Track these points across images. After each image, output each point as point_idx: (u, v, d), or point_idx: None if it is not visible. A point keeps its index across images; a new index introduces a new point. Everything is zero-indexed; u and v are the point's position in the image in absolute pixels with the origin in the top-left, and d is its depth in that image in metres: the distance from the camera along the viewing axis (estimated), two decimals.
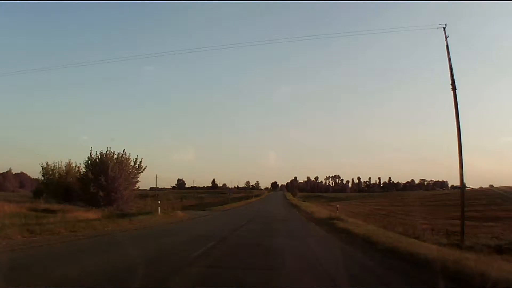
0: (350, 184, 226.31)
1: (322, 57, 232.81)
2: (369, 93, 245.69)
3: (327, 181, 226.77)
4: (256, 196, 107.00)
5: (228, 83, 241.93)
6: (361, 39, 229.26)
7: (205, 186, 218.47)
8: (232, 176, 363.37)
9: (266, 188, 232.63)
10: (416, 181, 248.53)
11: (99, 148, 33.77)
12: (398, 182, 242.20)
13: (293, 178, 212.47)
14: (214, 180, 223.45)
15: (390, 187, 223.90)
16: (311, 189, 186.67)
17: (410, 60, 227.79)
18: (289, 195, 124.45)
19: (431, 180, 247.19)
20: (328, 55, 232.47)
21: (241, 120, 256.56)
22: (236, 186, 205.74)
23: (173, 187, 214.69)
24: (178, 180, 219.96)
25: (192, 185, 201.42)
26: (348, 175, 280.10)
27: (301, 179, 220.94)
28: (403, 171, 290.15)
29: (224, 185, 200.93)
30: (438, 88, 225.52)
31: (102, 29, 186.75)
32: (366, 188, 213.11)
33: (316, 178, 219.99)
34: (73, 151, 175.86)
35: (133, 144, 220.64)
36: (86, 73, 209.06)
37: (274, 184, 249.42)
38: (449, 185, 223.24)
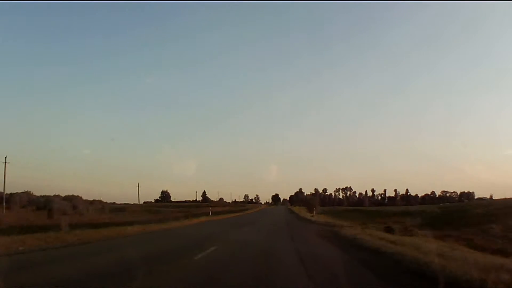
0: (359, 197, 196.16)
1: (326, 61, 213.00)
2: (378, 100, 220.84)
3: (337, 193, 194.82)
4: (243, 210, 75.02)
5: (229, 91, 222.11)
6: (366, 41, 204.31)
7: (196, 199, 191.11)
8: (232, 189, 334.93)
9: (266, 203, 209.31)
10: (437, 193, 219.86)
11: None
12: (416, 195, 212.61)
13: (297, 190, 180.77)
14: (204, 192, 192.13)
15: (410, 199, 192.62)
16: (321, 202, 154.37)
17: (419, 66, 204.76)
18: (299, 210, 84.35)
19: (454, 192, 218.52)
20: (332, 59, 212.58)
21: (242, 132, 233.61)
22: (234, 200, 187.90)
23: (156, 200, 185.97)
24: (162, 192, 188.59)
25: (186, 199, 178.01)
26: (358, 187, 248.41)
27: (306, 191, 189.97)
28: (419, 182, 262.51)
29: (221, 199, 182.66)
30: (453, 94, 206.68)
31: (100, 33, 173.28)
32: (385, 201, 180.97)
33: (325, 190, 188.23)
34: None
35: (130, 155, 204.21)
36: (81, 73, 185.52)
37: (275, 197, 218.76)
38: (476, 197, 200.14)
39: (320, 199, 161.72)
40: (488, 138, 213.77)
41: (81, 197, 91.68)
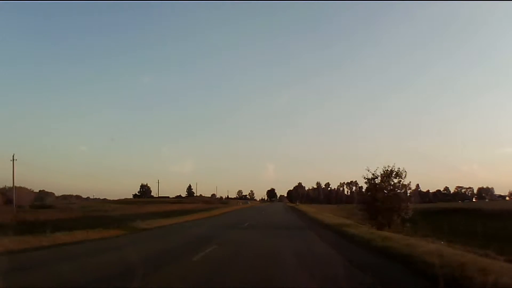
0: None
1: (326, 59, 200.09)
2: (379, 97, 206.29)
3: (341, 188, 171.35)
4: (198, 211, 42.76)
5: (227, 89, 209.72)
6: (365, 41, 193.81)
7: (181, 195, 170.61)
8: (226, 186, 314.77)
9: (262, 199, 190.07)
10: (451, 189, 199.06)
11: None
12: (428, 191, 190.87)
13: (297, 185, 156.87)
14: (189, 187, 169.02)
15: (423, 196, 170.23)
16: (326, 198, 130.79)
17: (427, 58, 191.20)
18: (320, 213, 46.17)
19: (469, 188, 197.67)
20: (332, 57, 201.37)
21: (239, 126, 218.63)
22: (226, 196, 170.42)
23: (135, 195, 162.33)
24: (142, 187, 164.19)
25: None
26: (363, 182, 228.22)
27: (306, 186, 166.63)
28: (431, 177, 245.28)
29: (213, 195, 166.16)
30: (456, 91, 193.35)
31: (97, 32, 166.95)
32: None
33: (328, 184, 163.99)
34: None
35: (125, 153, 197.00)
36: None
37: (271, 193, 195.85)
38: (495, 193, 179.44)
39: (324, 195, 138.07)
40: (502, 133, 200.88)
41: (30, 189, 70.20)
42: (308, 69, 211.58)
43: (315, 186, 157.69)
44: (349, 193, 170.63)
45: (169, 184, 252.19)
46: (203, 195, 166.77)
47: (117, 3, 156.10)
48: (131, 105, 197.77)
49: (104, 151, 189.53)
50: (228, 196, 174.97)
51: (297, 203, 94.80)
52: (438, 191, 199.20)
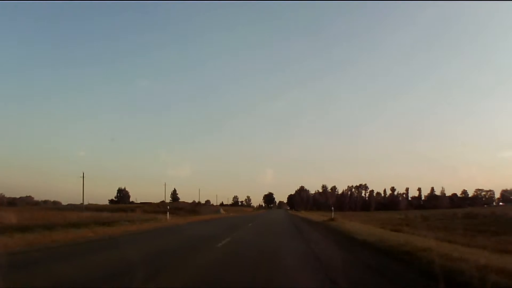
0: (378, 197, 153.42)
1: (327, 62, 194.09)
2: (382, 96, 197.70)
3: (349, 192, 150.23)
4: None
5: (226, 92, 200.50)
6: (366, 44, 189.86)
7: (164, 200, 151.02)
8: (225, 192, 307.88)
9: (260, 206, 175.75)
10: (470, 193, 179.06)
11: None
12: (444, 194, 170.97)
13: (299, 188, 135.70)
14: (175, 191, 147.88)
15: (434, 200, 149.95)
16: (337, 203, 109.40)
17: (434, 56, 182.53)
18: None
19: (490, 191, 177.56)
20: (333, 60, 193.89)
21: (237, 131, 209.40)
22: (221, 202, 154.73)
23: (111, 200, 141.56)
24: (119, 191, 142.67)
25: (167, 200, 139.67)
26: (373, 185, 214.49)
27: (310, 190, 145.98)
28: (447, 180, 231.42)
29: (208, 201, 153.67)
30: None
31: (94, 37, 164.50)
32: (420, 202, 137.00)
33: (334, 188, 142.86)
34: None
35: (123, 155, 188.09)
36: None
37: (269, 198, 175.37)
38: None
39: (336, 199, 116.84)
40: None
41: None
42: (308, 72, 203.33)
43: (320, 190, 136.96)
44: (358, 197, 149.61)
45: (160, 188, 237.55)
46: (196, 201, 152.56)
47: (115, 7, 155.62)
48: (129, 109, 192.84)
49: (100, 155, 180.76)
50: (222, 202, 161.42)
51: (332, 216, 38.30)
52: (455, 194, 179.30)
